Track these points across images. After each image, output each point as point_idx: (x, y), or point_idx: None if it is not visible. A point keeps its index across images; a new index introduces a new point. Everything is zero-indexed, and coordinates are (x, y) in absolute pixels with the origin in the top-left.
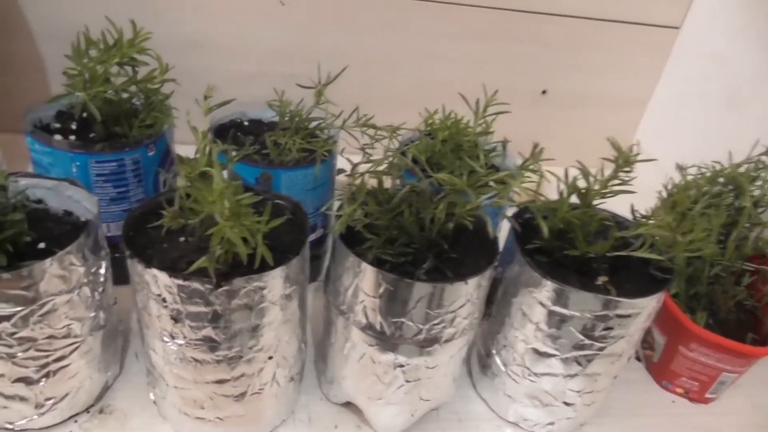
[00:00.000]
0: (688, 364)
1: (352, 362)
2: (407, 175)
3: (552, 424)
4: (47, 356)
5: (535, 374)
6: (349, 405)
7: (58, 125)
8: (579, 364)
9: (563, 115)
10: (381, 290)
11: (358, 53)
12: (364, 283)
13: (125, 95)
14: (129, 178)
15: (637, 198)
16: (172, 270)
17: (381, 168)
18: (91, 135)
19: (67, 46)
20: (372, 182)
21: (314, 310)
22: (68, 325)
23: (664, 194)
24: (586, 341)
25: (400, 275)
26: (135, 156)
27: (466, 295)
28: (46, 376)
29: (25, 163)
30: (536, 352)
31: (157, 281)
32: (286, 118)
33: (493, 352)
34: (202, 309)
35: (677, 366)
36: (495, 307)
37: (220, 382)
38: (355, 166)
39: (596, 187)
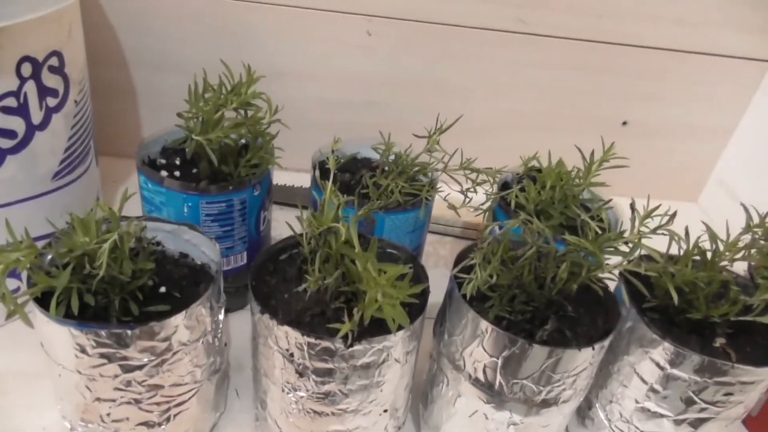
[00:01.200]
0: None
1: (462, 416)
2: (501, 215)
3: None
4: (169, 401)
5: None
6: None
7: (163, 161)
8: (692, 426)
9: (642, 145)
10: (505, 353)
11: (442, 83)
12: (486, 343)
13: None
14: (235, 218)
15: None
16: (301, 325)
17: (513, 227)
18: (194, 171)
19: (151, 72)
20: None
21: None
22: (191, 372)
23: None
24: (703, 404)
25: (522, 335)
26: (243, 197)
27: (590, 359)
28: (167, 420)
29: (115, 187)
30: (647, 411)
31: (288, 337)
32: (391, 160)
33: (597, 405)
34: (329, 366)
35: None
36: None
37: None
38: (484, 228)
39: (722, 251)
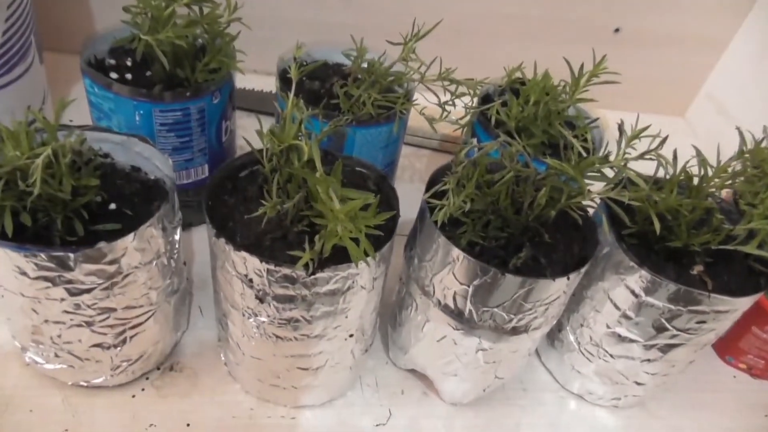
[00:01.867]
0: (758, 344)
1: (430, 340)
2: (480, 131)
3: (617, 399)
4: (124, 324)
5: (611, 355)
6: (414, 372)
7: (113, 62)
8: (661, 351)
9: (634, 54)
10: (476, 281)
11: None
12: (457, 271)
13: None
14: (193, 128)
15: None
16: (260, 249)
17: (489, 151)
18: (148, 74)
19: None
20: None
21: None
22: (146, 294)
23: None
24: (674, 332)
25: (495, 263)
26: (200, 105)
27: (563, 288)
28: (123, 342)
29: (67, 87)
30: (617, 336)
31: (246, 263)
32: (363, 67)
33: (567, 328)
34: (291, 293)
35: (746, 344)
36: None
37: (299, 356)
38: (460, 151)
39: (710, 176)
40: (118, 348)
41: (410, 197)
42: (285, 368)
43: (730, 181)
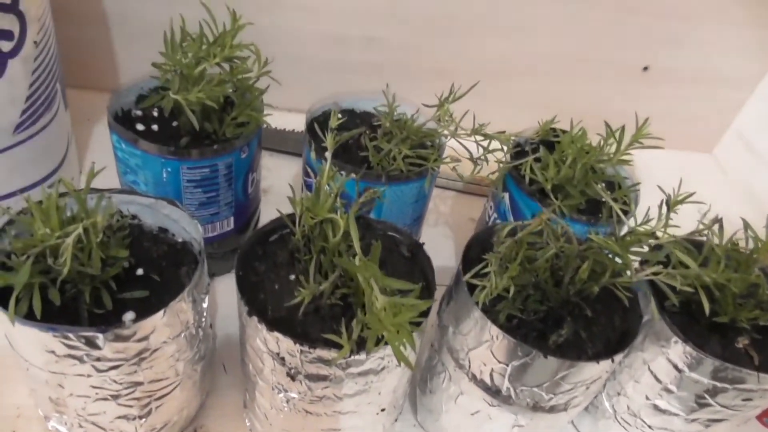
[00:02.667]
0: None
1: (464, 412)
2: (511, 185)
3: None
4: (150, 396)
5: (650, 427)
6: None
7: (139, 113)
8: (703, 425)
9: (662, 92)
10: (515, 362)
11: (450, 18)
12: (496, 349)
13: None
14: (221, 183)
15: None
16: (292, 326)
17: (533, 231)
18: (174, 124)
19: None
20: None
21: None
22: (173, 366)
23: None
24: (718, 407)
25: (534, 337)
26: (228, 160)
27: (606, 368)
28: (148, 413)
29: (90, 127)
30: (657, 408)
31: (278, 342)
32: (394, 121)
33: (603, 394)
34: (324, 372)
35: None
36: None
37: (329, 430)
38: (501, 229)
39: (759, 250)
40: (143, 419)
41: (436, 244)
42: None
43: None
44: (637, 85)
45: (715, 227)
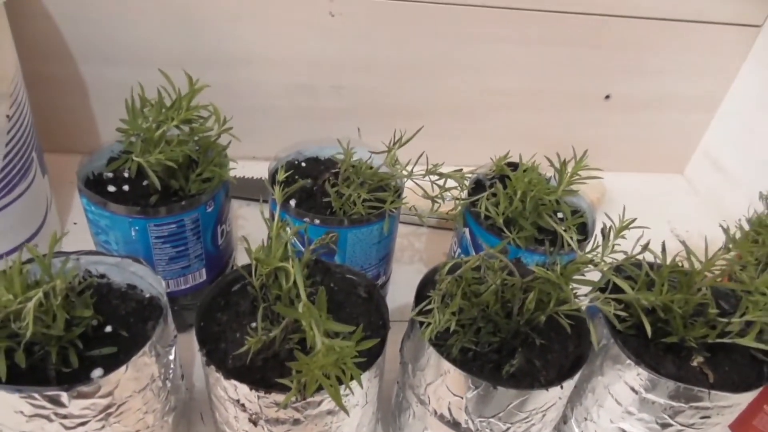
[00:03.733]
0: None
1: None
2: (471, 221)
3: None
4: None
5: None
6: None
7: (110, 175)
8: None
9: (627, 119)
10: (469, 394)
11: (411, 62)
12: (451, 383)
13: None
14: (188, 237)
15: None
16: (250, 373)
17: (473, 266)
18: (144, 183)
19: (100, 63)
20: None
21: None
22: (141, 419)
23: (746, 225)
24: (680, 427)
25: (489, 368)
26: (194, 215)
27: (558, 395)
28: None
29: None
30: (623, 431)
31: (237, 390)
32: (352, 168)
33: (572, 420)
34: (283, 416)
35: (759, 423)
36: None
37: None
38: (443, 267)
39: (700, 270)
40: None
41: (410, 279)
42: None
43: (719, 277)
44: (600, 113)
45: (658, 250)
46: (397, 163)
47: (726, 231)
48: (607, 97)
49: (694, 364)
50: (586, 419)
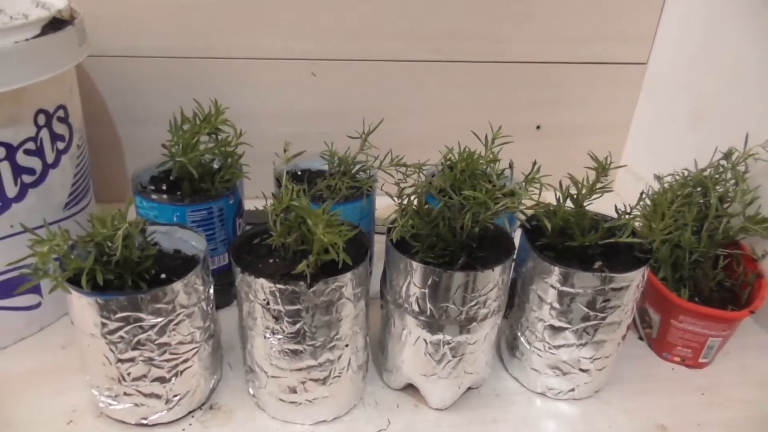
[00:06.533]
0: (680, 334)
1: (409, 346)
2: (431, 200)
3: (572, 390)
4: (177, 358)
5: (554, 347)
6: (406, 390)
7: (152, 187)
8: (587, 333)
9: (557, 144)
10: (429, 282)
11: (382, 109)
12: (415, 278)
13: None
14: (215, 222)
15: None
16: (272, 279)
17: (420, 190)
18: (178, 193)
19: (133, 125)
20: (413, 202)
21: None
22: (192, 332)
23: (647, 200)
24: (591, 313)
25: (442, 269)
26: (220, 204)
27: (494, 280)
28: (176, 375)
29: None
30: (552, 327)
31: (263, 288)
32: (335, 164)
33: (519, 334)
34: (298, 306)
35: (672, 337)
36: (516, 299)
37: (309, 368)
38: (401, 190)
39: (584, 192)
40: (172, 381)
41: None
42: (300, 381)
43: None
44: (534, 142)
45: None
46: (368, 147)
47: (593, 157)
48: (538, 127)
49: (596, 267)
50: (527, 329)
